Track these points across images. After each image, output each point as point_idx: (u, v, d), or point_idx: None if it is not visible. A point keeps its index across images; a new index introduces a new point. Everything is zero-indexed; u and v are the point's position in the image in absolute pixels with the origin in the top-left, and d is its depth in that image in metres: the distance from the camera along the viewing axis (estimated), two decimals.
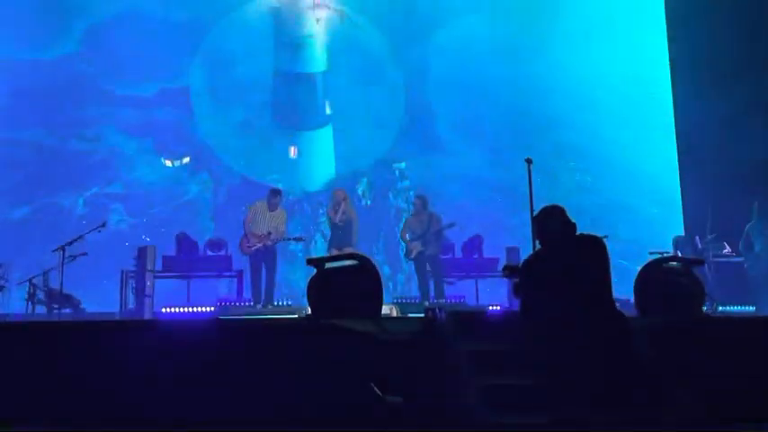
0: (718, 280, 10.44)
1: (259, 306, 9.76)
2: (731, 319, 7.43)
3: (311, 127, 13.34)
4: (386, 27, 13.60)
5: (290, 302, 10.00)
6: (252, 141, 13.10)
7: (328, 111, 13.27)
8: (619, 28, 13.68)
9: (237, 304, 9.93)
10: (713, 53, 11.50)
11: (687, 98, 12.58)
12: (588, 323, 4.50)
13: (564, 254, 4.80)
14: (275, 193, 10.27)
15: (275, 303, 9.89)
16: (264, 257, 9.98)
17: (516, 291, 5.09)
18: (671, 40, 13.41)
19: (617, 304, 4.85)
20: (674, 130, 13.30)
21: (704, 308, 6.56)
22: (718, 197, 11.14)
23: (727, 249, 10.86)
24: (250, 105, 13.17)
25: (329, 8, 13.47)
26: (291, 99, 13.25)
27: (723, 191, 11.17)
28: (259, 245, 9.93)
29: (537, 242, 5.34)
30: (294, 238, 10.43)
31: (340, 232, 10.05)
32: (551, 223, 4.96)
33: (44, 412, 4.70)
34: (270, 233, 9.95)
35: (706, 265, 9.99)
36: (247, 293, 10.19)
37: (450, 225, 10.39)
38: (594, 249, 4.78)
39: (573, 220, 4.94)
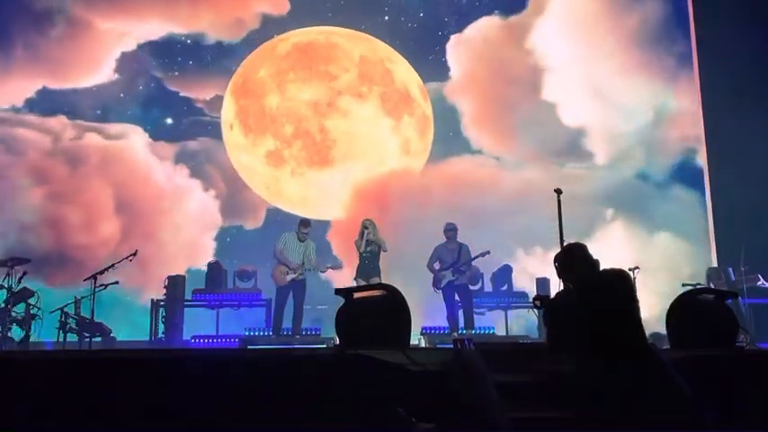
0: (753, 313, 10.26)
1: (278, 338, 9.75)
2: (764, 353, 7.27)
3: None
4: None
5: (318, 332, 10.02)
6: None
7: None
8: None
9: (265, 334, 9.95)
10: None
11: (718, 118, 12.44)
12: (617, 358, 4.45)
13: (588, 292, 4.76)
14: (305, 224, 10.29)
15: (303, 333, 9.91)
16: (294, 289, 10.02)
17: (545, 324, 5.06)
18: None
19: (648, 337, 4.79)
20: (704, 151, 13.17)
21: (738, 341, 6.41)
22: (752, 227, 10.97)
23: (762, 281, 10.66)
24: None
25: None
26: None
27: (756, 220, 11.01)
28: (293, 275, 9.96)
29: (560, 282, 5.29)
30: (332, 267, 10.28)
31: (367, 262, 10.02)
32: (573, 263, 4.93)
33: None
34: (303, 264, 9.99)
35: (740, 297, 9.82)
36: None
37: (484, 253, 10.32)
38: (619, 283, 4.75)
39: (595, 258, 4.91)
